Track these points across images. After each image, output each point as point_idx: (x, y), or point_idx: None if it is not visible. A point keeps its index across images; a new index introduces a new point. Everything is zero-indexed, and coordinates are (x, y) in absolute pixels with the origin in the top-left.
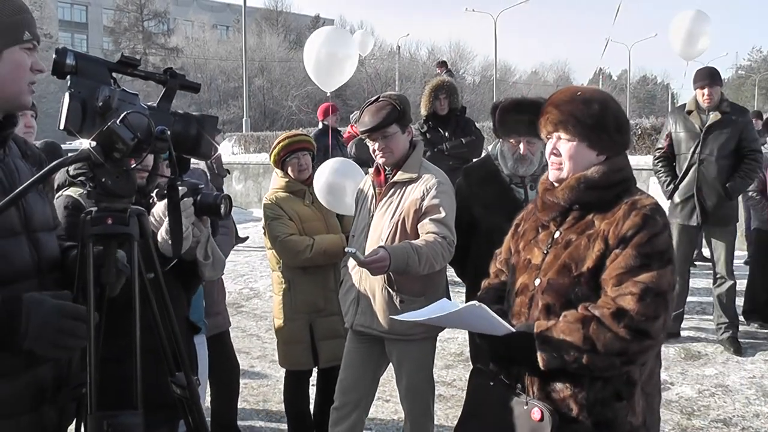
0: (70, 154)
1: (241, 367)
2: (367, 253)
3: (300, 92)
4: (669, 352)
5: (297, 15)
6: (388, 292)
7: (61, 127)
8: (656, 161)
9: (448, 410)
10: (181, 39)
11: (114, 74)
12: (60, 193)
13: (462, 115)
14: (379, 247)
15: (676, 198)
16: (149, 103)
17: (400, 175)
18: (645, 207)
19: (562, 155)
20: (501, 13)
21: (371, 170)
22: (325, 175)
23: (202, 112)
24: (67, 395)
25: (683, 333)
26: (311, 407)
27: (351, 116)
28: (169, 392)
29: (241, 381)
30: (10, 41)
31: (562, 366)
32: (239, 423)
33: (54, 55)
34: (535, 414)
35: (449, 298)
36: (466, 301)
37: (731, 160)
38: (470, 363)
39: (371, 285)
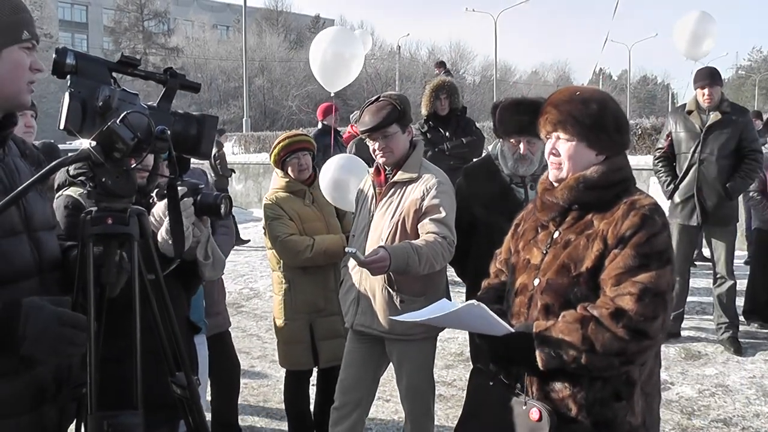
0: (70, 154)
1: (241, 367)
2: (367, 253)
3: (300, 92)
4: (669, 351)
5: (297, 15)
6: (389, 292)
7: (61, 126)
8: (656, 161)
9: (448, 410)
10: (182, 39)
11: (114, 74)
12: (60, 192)
13: (462, 115)
14: (379, 247)
15: (677, 198)
16: (149, 103)
17: (400, 175)
18: (644, 207)
19: (561, 155)
20: (501, 13)
21: (371, 170)
22: (330, 171)
23: (203, 112)
24: (68, 395)
25: (683, 333)
26: (311, 407)
27: (351, 116)
28: (170, 392)
29: (242, 381)
30: (9, 41)
31: (561, 366)
32: (240, 423)
33: (54, 55)
34: (534, 414)
35: (449, 298)
36: (467, 301)
37: (731, 160)
38: (470, 363)
39: (371, 285)
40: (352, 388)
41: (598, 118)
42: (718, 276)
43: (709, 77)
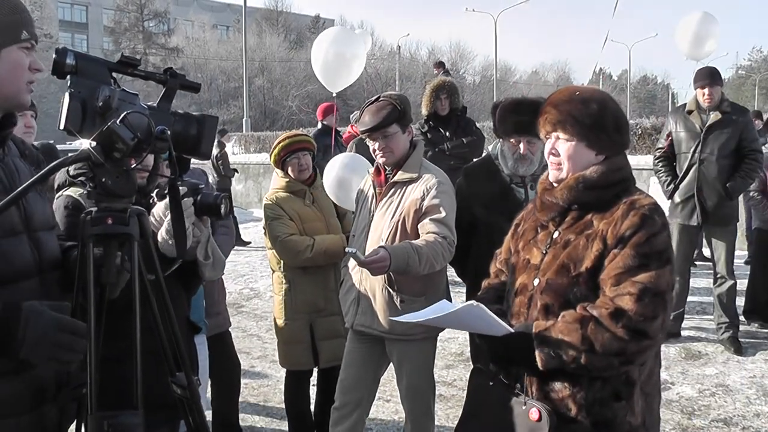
0: (70, 154)
1: (241, 367)
2: (367, 253)
3: (300, 92)
4: (669, 351)
5: (297, 15)
6: (389, 292)
7: (61, 127)
8: (656, 161)
9: (448, 410)
10: (182, 39)
11: (114, 74)
12: (60, 193)
13: (463, 115)
14: (380, 247)
15: (677, 198)
16: (149, 103)
17: (400, 175)
18: (643, 207)
19: (560, 155)
20: (501, 12)
21: (371, 170)
22: (335, 170)
23: (203, 112)
24: (68, 395)
25: (684, 333)
26: (312, 407)
27: (351, 116)
28: (170, 392)
29: (242, 381)
30: (7, 40)
31: (561, 366)
32: (240, 423)
33: (54, 55)
34: (533, 414)
35: (449, 298)
36: (466, 302)
37: (731, 160)
38: (471, 363)
39: (371, 285)
40: (353, 388)
41: (597, 118)
42: (719, 276)
43: (709, 77)
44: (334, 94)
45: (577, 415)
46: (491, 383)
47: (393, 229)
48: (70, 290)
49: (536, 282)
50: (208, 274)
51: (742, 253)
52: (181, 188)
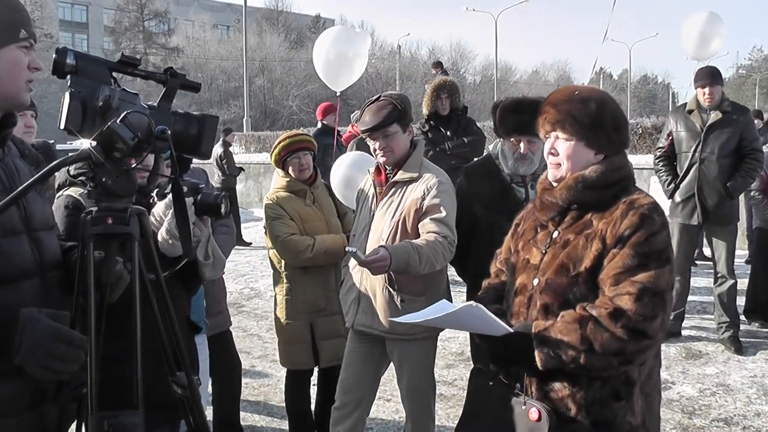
0: (70, 154)
1: (242, 367)
2: (367, 252)
3: (301, 92)
4: (670, 351)
5: (297, 15)
6: (389, 291)
7: (62, 126)
8: (657, 160)
9: (449, 410)
10: (182, 39)
11: (114, 74)
12: (60, 192)
13: (463, 115)
14: (380, 246)
15: (677, 197)
16: (149, 103)
17: (400, 175)
18: (643, 206)
19: (560, 154)
20: (501, 12)
21: (372, 169)
22: (342, 169)
23: (203, 112)
24: (68, 395)
25: (684, 332)
26: (312, 406)
27: (351, 116)
28: (170, 392)
29: (243, 380)
30: (6, 40)
31: (560, 366)
32: (240, 422)
33: (54, 55)
34: (533, 414)
35: (450, 298)
36: (467, 301)
37: (732, 160)
38: (471, 362)
39: (372, 284)
40: (353, 387)
41: (596, 117)
42: (719, 275)
43: (709, 76)
44: (338, 93)
45: (576, 415)
46: (491, 383)
47: (393, 229)
48: (70, 290)
49: (536, 282)
50: (209, 273)
51: (742, 252)
52: None
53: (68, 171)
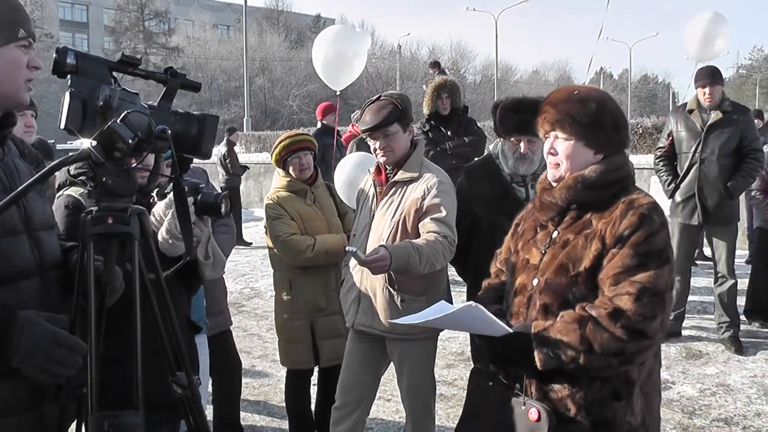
0: (70, 154)
1: (242, 367)
2: (367, 252)
3: (301, 91)
4: (670, 351)
5: (298, 14)
6: (389, 291)
7: (62, 126)
8: (657, 160)
9: (449, 410)
10: (182, 38)
11: (115, 74)
12: (61, 192)
13: (464, 115)
14: (380, 246)
15: (678, 197)
16: (150, 103)
17: (401, 175)
18: (642, 206)
19: (559, 154)
20: (502, 12)
21: (372, 169)
22: (347, 170)
23: (203, 112)
24: (68, 395)
25: (684, 332)
26: (312, 406)
27: (352, 115)
28: (170, 392)
29: (243, 380)
30: (5, 39)
31: (560, 366)
32: (241, 422)
33: (54, 55)
34: (533, 414)
35: (450, 298)
36: (468, 301)
37: (732, 160)
38: (471, 362)
39: (372, 284)
40: (353, 387)
41: (596, 117)
42: (719, 275)
43: (710, 76)
44: (338, 92)
45: (576, 415)
46: (491, 383)
47: (394, 229)
48: (70, 290)
49: (535, 282)
50: (209, 273)
51: (743, 252)
52: None
53: (68, 171)
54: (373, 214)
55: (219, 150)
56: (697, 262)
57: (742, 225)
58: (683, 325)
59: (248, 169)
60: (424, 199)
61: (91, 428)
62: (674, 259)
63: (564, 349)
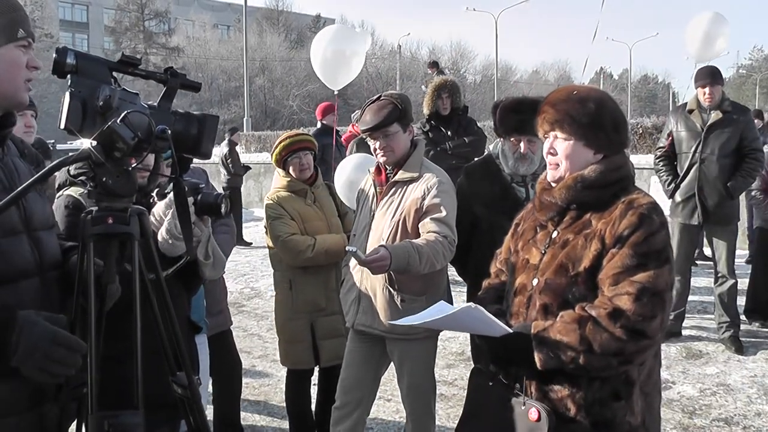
0: (70, 154)
1: (242, 366)
2: (367, 252)
3: (301, 91)
4: (670, 351)
5: (298, 14)
6: (389, 291)
7: (62, 126)
8: (657, 160)
9: (449, 409)
10: (182, 38)
11: (115, 74)
12: (61, 192)
13: (464, 115)
14: (380, 246)
15: (678, 197)
16: (150, 103)
17: (401, 175)
18: (642, 206)
19: (558, 154)
20: (502, 12)
21: (372, 169)
22: (347, 171)
23: (203, 112)
24: (68, 395)
25: (684, 332)
26: (313, 406)
27: (352, 115)
28: (170, 392)
29: (243, 380)
30: (4, 39)
31: (559, 366)
32: (241, 422)
33: (54, 55)
34: (533, 414)
35: (450, 297)
36: (468, 301)
37: (732, 159)
38: (472, 362)
39: (372, 284)
40: (353, 387)
41: (595, 117)
42: (719, 275)
43: (710, 76)
44: (336, 92)
45: (576, 415)
46: (491, 383)
47: (394, 229)
48: (70, 290)
49: (535, 282)
50: (209, 273)
51: (743, 252)
52: None
53: (68, 171)
54: (373, 214)
55: (221, 150)
56: (698, 262)
57: (743, 225)
58: (683, 324)
59: (250, 169)
60: (424, 199)
61: (91, 428)
62: (674, 259)
63: (564, 349)
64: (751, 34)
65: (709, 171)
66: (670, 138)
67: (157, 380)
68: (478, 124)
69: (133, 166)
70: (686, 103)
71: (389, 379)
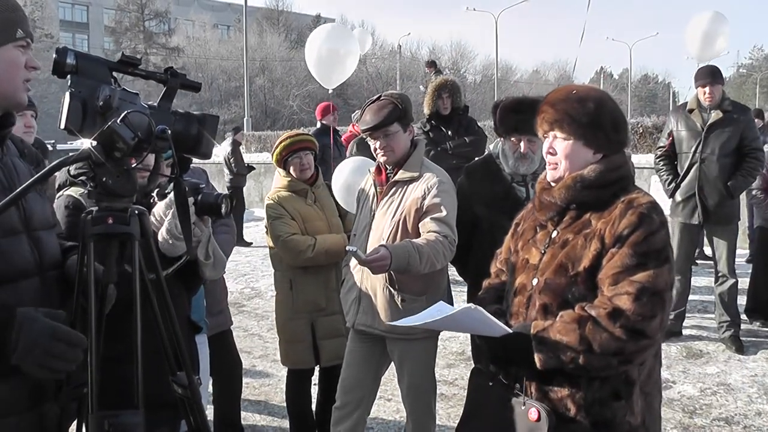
0: (71, 154)
1: (243, 366)
2: (368, 251)
3: (301, 91)
4: (671, 350)
5: (298, 14)
6: (390, 291)
7: (62, 126)
8: (658, 160)
9: (449, 409)
10: (182, 38)
11: (115, 74)
12: (61, 192)
13: (464, 114)
14: (380, 245)
15: (678, 197)
16: (150, 103)
17: (401, 174)
18: (641, 205)
19: (558, 154)
20: (502, 12)
21: (372, 169)
22: (344, 175)
23: (203, 112)
24: (68, 395)
25: (685, 332)
26: (313, 406)
27: (352, 115)
28: (171, 392)
29: (243, 380)
30: (3, 39)
31: (559, 366)
32: (241, 422)
33: (54, 55)
34: (532, 414)
35: (450, 297)
36: (468, 300)
37: (733, 159)
38: (472, 362)
39: (372, 284)
40: (354, 387)
41: (594, 116)
42: (720, 274)
43: (710, 76)
44: (330, 91)
45: (576, 415)
46: (491, 383)
47: (394, 228)
48: (70, 290)
49: (535, 282)
50: (209, 273)
51: (743, 251)
52: None
53: (68, 171)
54: (374, 214)
55: (224, 149)
56: (698, 261)
57: (743, 224)
58: (684, 324)
59: (254, 169)
60: (424, 198)
61: (91, 428)
62: (674, 259)
63: (563, 349)
64: (751, 34)
65: (709, 170)
66: (671, 138)
67: (158, 380)
68: (479, 124)
69: (133, 166)
70: (686, 103)
71: (389, 379)
